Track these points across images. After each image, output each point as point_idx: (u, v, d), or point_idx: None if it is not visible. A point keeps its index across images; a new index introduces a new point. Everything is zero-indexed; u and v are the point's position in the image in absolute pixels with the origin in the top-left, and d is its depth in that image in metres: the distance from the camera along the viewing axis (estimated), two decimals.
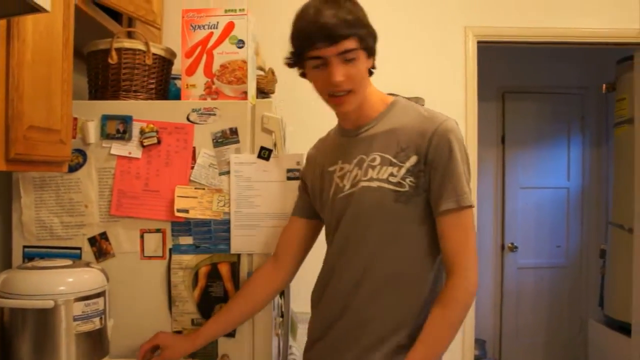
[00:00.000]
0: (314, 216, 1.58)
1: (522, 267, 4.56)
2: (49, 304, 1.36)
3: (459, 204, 1.33)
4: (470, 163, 1.42)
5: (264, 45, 1.98)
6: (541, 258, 4.57)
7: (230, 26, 1.70)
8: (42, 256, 1.65)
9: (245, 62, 1.69)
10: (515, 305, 4.55)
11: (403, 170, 1.36)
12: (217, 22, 1.70)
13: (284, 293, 1.79)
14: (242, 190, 1.66)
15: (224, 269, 1.67)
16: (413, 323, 1.37)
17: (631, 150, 3.36)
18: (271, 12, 2.80)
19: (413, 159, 1.36)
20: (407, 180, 1.36)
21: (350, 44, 1.30)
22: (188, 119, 1.67)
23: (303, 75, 1.43)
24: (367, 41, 1.34)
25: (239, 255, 1.67)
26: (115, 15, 1.98)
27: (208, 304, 1.67)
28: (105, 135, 1.67)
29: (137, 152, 1.67)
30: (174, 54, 1.85)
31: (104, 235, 1.68)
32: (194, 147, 1.66)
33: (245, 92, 1.69)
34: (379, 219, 1.38)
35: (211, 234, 1.67)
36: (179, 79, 1.77)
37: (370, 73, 1.43)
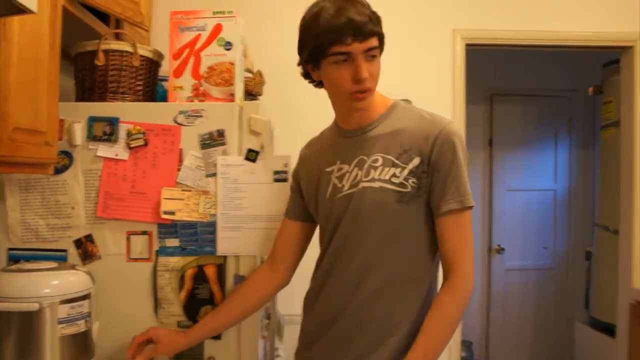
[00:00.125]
0: (308, 219, 1.58)
1: (509, 268, 4.58)
2: (34, 306, 1.35)
3: (462, 205, 1.34)
4: None
5: (251, 48, 1.98)
6: (528, 260, 4.59)
7: (218, 28, 1.70)
8: (27, 258, 1.64)
9: (233, 64, 1.70)
10: (502, 307, 4.58)
11: (406, 172, 1.37)
12: (205, 24, 1.70)
13: None
14: (229, 192, 1.66)
15: (210, 271, 1.67)
16: (411, 323, 1.37)
17: (617, 152, 3.38)
18: (259, 14, 2.81)
19: (416, 161, 1.37)
20: (410, 181, 1.36)
21: (375, 41, 1.32)
22: (175, 121, 1.67)
23: (304, 75, 1.43)
24: (383, 41, 1.37)
25: (225, 258, 1.67)
26: (103, 16, 1.97)
27: (194, 306, 1.67)
28: (91, 137, 1.66)
29: (123, 154, 1.66)
30: (161, 56, 1.85)
31: (89, 238, 1.67)
32: (181, 149, 1.66)
33: (233, 94, 1.69)
34: (380, 219, 1.38)
35: (197, 236, 1.66)
36: (167, 80, 1.77)
37: None
